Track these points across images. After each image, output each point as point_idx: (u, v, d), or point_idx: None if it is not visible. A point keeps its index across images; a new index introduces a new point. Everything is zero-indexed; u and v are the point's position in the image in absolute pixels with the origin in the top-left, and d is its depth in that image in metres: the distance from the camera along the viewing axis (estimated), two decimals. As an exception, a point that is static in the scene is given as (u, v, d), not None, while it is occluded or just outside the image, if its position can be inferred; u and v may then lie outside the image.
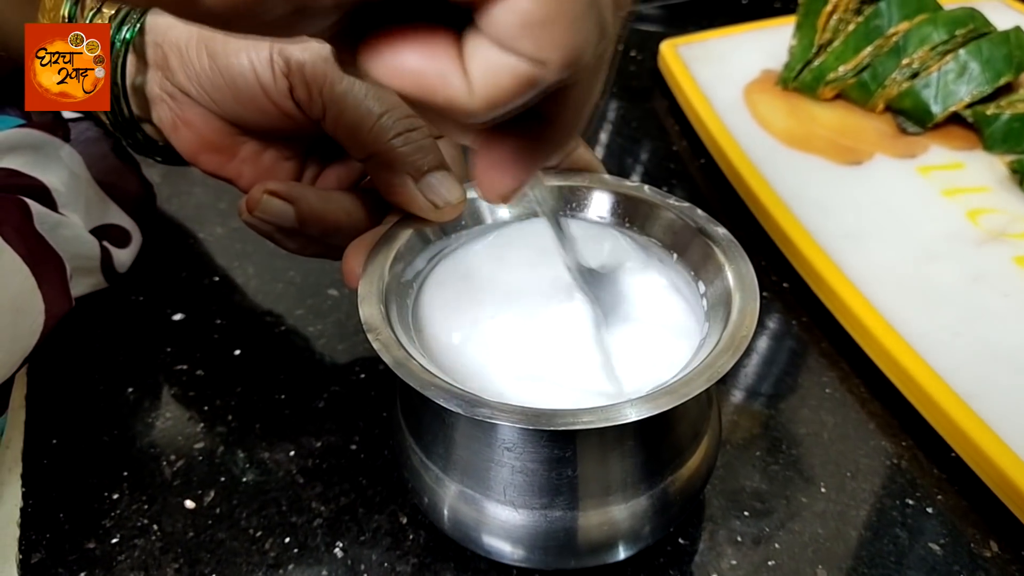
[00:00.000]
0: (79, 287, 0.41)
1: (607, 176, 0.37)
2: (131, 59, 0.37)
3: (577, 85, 0.21)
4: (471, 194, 0.35)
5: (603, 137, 0.64)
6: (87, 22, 0.37)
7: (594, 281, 0.33)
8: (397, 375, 0.27)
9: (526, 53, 0.18)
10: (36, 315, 0.38)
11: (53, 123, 0.45)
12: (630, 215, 0.36)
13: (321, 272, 0.49)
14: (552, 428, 0.26)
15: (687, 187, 0.59)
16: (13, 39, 0.36)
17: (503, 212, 0.36)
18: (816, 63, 0.61)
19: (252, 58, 0.34)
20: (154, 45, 0.36)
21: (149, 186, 0.51)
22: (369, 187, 0.38)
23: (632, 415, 0.26)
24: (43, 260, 0.38)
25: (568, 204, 0.36)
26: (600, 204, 0.36)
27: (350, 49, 0.19)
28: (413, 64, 0.19)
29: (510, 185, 0.23)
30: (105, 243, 0.44)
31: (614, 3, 0.20)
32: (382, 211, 0.36)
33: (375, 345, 0.28)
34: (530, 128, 0.23)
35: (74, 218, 0.42)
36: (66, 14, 0.37)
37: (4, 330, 0.36)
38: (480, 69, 0.18)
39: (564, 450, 0.29)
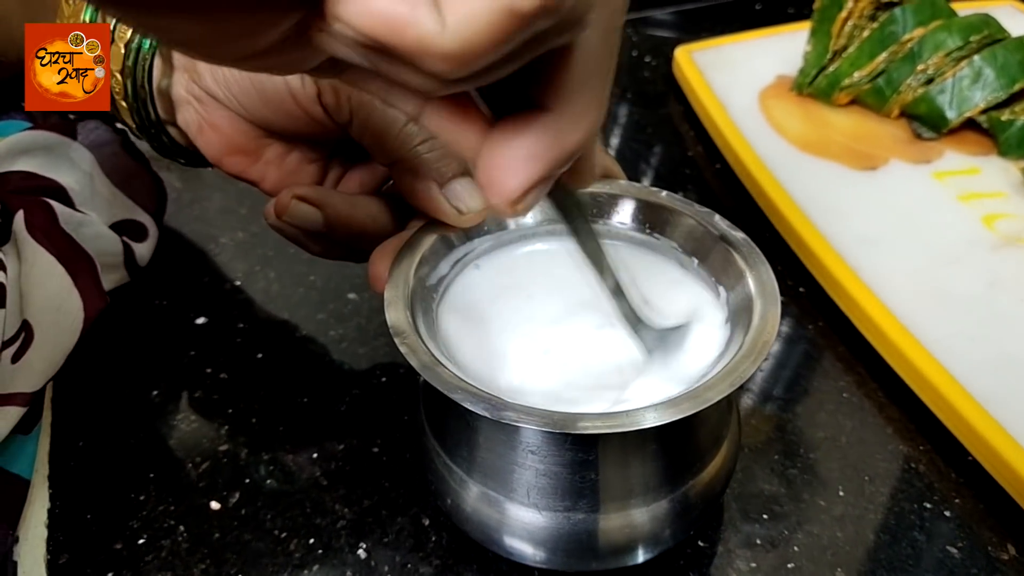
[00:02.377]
0: (105, 283, 0.42)
1: (626, 182, 0.37)
2: (157, 62, 0.38)
3: (572, 61, 0.20)
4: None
5: (618, 142, 0.65)
6: (111, 28, 0.37)
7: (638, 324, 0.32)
8: (423, 379, 0.28)
9: None
10: (76, 313, 0.38)
11: (60, 123, 0.45)
12: (650, 221, 0.36)
13: (341, 276, 0.49)
14: (576, 432, 0.26)
15: (702, 192, 0.59)
16: (15, 44, 0.37)
17: (528, 219, 0.37)
18: (831, 69, 0.61)
19: None
20: None
21: (159, 180, 0.51)
22: (392, 191, 0.39)
23: (654, 420, 0.26)
24: (75, 259, 0.39)
25: (589, 211, 0.37)
26: (620, 210, 0.36)
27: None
28: (382, 3, 0.17)
29: (517, 187, 0.21)
30: (125, 238, 0.45)
31: None
32: (406, 216, 0.37)
33: (402, 349, 0.29)
34: (536, 120, 0.21)
35: (93, 215, 0.43)
36: (87, 19, 0.37)
37: (48, 330, 0.36)
38: (453, 4, 0.17)
39: (587, 453, 0.29)
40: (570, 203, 0.28)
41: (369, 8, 0.17)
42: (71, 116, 0.47)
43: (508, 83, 0.21)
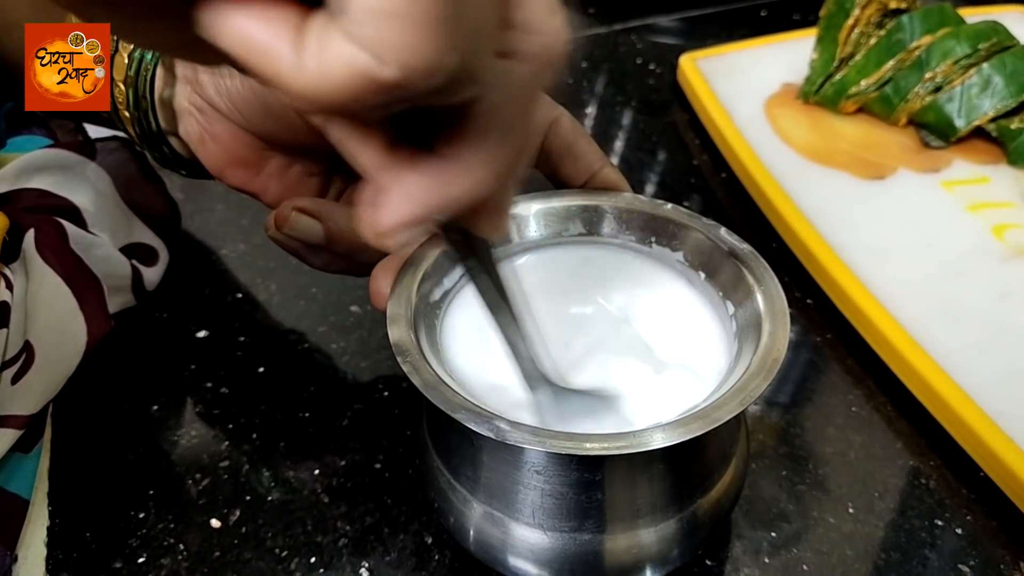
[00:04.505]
0: (110, 306, 0.41)
1: (631, 194, 0.37)
2: (160, 72, 0.37)
3: (470, 118, 0.20)
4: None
5: (622, 151, 0.64)
6: (114, 36, 0.37)
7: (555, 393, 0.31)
8: (427, 398, 0.27)
9: (366, 44, 0.16)
10: (79, 336, 0.38)
11: (79, 142, 0.45)
12: (656, 234, 0.36)
13: (343, 289, 0.49)
14: (583, 453, 0.26)
15: (707, 202, 0.58)
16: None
17: (532, 232, 0.36)
18: (838, 77, 0.61)
19: None
20: None
21: (175, 204, 0.51)
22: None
23: (662, 441, 0.26)
24: (82, 281, 0.39)
25: (593, 224, 0.36)
26: (625, 223, 0.36)
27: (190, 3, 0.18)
28: (246, 25, 0.17)
29: (387, 222, 0.20)
30: (134, 261, 0.45)
31: (505, 44, 0.19)
32: (408, 231, 0.36)
33: (405, 368, 0.28)
34: (425, 162, 0.21)
35: (104, 237, 0.42)
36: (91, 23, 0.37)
37: (50, 352, 0.36)
38: (316, 48, 0.17)
39: (594, 474, 0.29)
40: (474, 244, 0.27)
41: (234, 27, 0.17)
42: (87, 131, 0.47)
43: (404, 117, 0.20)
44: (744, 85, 0.65)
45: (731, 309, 0.32)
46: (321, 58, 0.16)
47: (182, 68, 0.37)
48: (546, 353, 0.31)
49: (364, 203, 0.21)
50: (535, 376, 0.30)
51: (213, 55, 0.18)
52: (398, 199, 0.20)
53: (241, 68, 0.18)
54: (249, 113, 0.36)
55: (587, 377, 0.32)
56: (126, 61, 0.37)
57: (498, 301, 0.28)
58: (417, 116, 0.20)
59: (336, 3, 0.16)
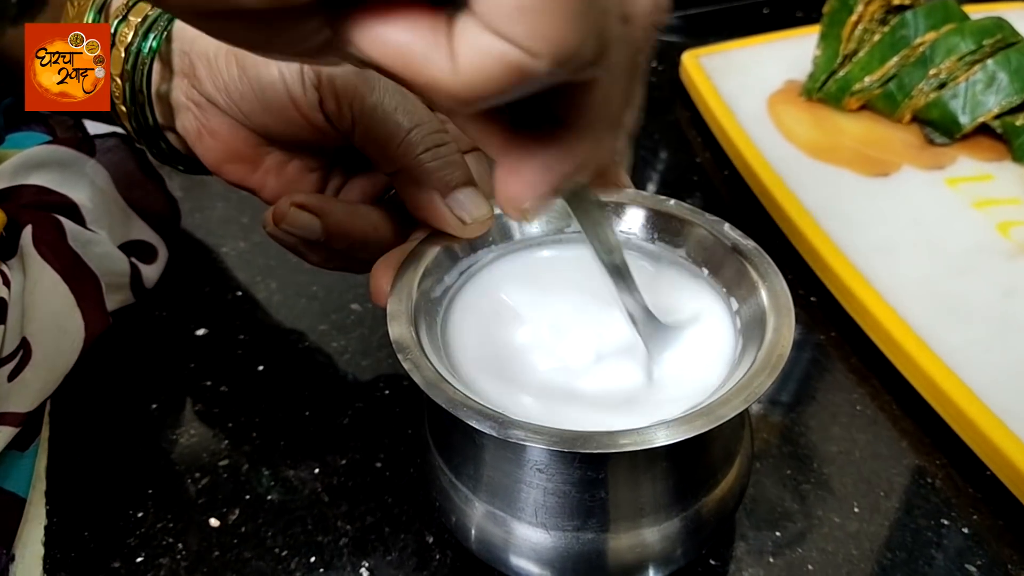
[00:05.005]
0: (109, 303, 0.41)
1: (633, 190, 0.36)
2: (157, 66, 0.37)
3: (594, 88, 0.21)
4: (499, 211, 0.35)
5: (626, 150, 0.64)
6: (112, 31, 0.37)
7: (650, 327, 0.32)
8: (428, 395, 0.27)
9: (516, 40, 0.17)
10: (76, 333, 0.38)
11: (78, 139, 0.45)
12: (659, 231, 0.35)
13: (344, 287, 0.49)
14: (586, 451, 0.25)
15: (711, 199, 0.58)
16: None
17: (533, 228, 0.36)
18: (841, 73, 0.60)
19: (282, 69, 0.34)
20: (181, 53, 0.36)
21: (174, 202, 0.51)
22: (394, 200, 0.38)
23: (666, 438, 0.25)
24: (80, 278, 0.38)
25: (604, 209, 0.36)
26: (628, 220, 0.36)
27: (335, 18, 0.19)
28: (398, 38, 0.18)
29: (527, 194, 0.22)
30: (133, 259, 0.44)
31: (622, 11, 0.20)
32: (408, 226, 0.36)
33: (406, 365, 0.28)
34: (552, 134, 0.22)
35: (102, 234, 0.42)
36: (91, 23, 0.37)
37: (47, 348, 0.36)
38: (467, 51, 0.18)
39: (597, 472, 0.28)
40: (588, 202, 0.28)
41: (384, 39, 0.18)
42: (86, 125, 0.47)
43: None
44: (747, 82, 0.65)
45: (735, 305, 0.32)
46: (474, 60, 0.17)
47: (180, 63, 0.37)
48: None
49: (496, 183, 0.23)
50: (644, 315, 0.31)
51: (344, 59, 0.20)
52: (535, 174, 0.22)
53: (385, 73, 0.19)
54: (247, 108, 0.35)
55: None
56: (123, 55, 0.37)
57: (610, 251, 0.29)
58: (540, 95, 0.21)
59: (479, 3, 0.17)
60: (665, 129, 0.66)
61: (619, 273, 0.30)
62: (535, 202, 0.22)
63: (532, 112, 0.22)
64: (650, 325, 0.31)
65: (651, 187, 0.60)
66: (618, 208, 0.36)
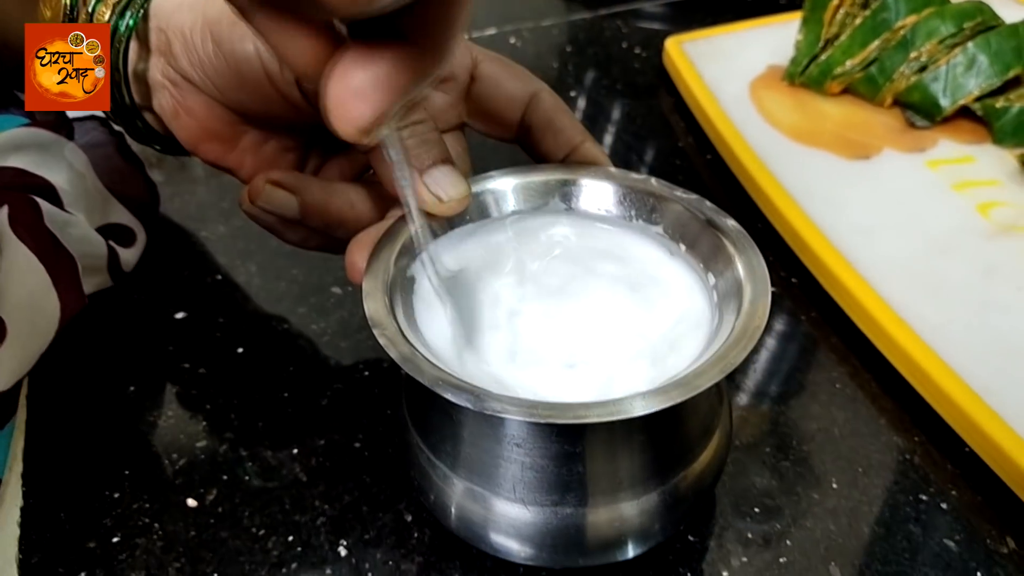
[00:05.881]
0: (86, 286, 0.41)
1: (614, 169, 0.36)
2: (133, 45, 0.37)
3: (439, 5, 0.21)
4: (476, 188, 0.35)
5: (608, 135, 0.64)
6: (89, 10, 0.36)
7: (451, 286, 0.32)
8: (404, 371, 0.27)
9: None
10: (52, 313, 0.37)
11: (57, 122, 0.44)
12: (636, 207, 0.35)
13: (324, 270, 0.48)
14: (563, 422, 0.25)
15: (693, 183, 0.58)
16: (13, 35, 0.36)
17: (510, 207, 0.36)
18: (823, 58, 0.60)
19: (258, 45, 0.34)
20: (157, 31, 0.36)
21: (153, 185, 0.50)
22: (372, 179, 0.38)
23: (643, 408, 0.25)
24: (56, 258, 0.38)
25: (573, 198, 0.36)
26: (606, 197, 0.36)
27: None
28: None
29: (370, 113, 0.21)
30: (111, 242, 0.44)
31: None
32: (386, 204, 0.36)
33: (381, 340, 0.28)
34: (396, 50, 0.21)
35: (80, 217, 0.42)
36: (67, 2, 0.36)
37: (22, 328, 0.35)
38: None
39: (574, 445, 0.28)
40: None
41: None
42: (65, 111, 0.46)
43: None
44: (730, 68, 0.65)
45: (712, 280, 0.32)
46: None
47: (156, 40, 0.36)
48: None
49: (332, 102, 0.21)
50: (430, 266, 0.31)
51: None
52: (377, 89, 0.21)
53: None
54: (222, 84, 0.35)
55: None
56: (99, 35, 0.36)
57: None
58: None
59: None
60: (648, 115, 0.66)
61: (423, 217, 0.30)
62: (373, 122, 0.21)
63: (376, 27, 0.21)
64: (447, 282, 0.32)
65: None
66: (595, 186, 0.36)
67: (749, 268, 0.30)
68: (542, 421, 0.26)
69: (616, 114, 0.66)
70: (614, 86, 0.69)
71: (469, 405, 0.25)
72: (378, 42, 0.21)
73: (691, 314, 0.32)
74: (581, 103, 0.67)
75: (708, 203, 0.33)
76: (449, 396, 0.26)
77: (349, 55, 0.21)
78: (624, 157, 0.61)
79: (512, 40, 0.76)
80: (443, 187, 0.33)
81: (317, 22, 0.22)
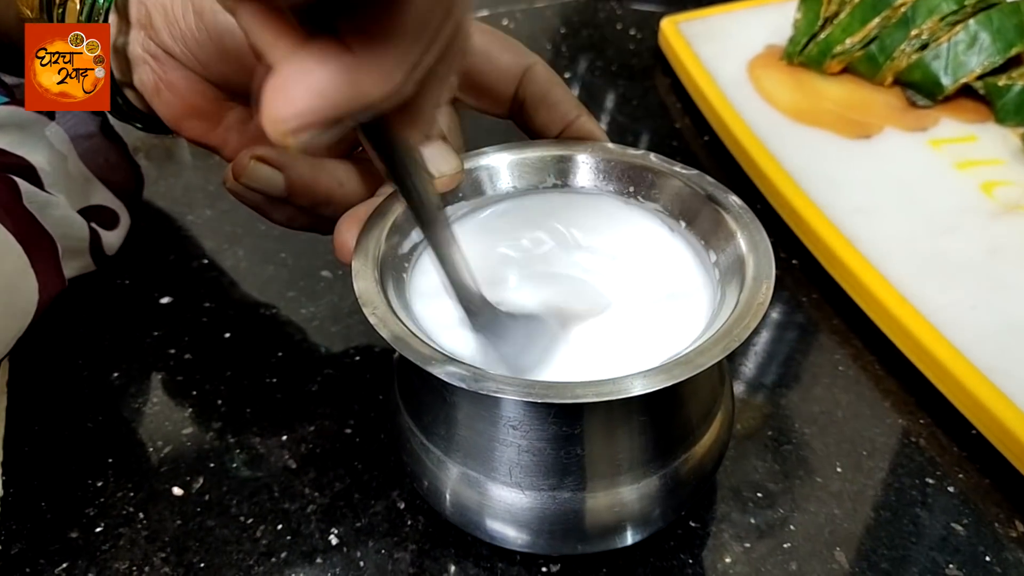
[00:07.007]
0: (68, 269, 0.40)
1: (611, 144, 0.35)
2: (113, 19, 0.35)
3: (381, 12, 0.19)
4: (470, 165, 0.34)
5: (604, 117, 0.63)
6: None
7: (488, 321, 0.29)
8: (396, 351, 0.26)
9: None
10: (30, 295, 0.36)
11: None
12: (635, 184, 0.34)
13: (314, 253, 0.47)
14: (561, 401, 0.24)
15: (691, 164, 0.56)
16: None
17: (505, 184, 0.35)
18: (822, 36, 0.59)
19: None
20: (137, 3, 0.35)
21: (137, 167, 0.49)
22: (362, 156, 0.37)
23: (643, 387, 0.24)
24: (35, 239, 0.37)
25: (569, 175, 0.35)
26: (603, 173, 0.35)
27: None
28: None
29: (290, 117, 0.19)
30: (93, 224, 0.43)
31: None
32: (375, 182, 0.35)
33: (372, 320, 0.27)
34: (337, 58, 0.19)
35: (61, 198, 0.40)
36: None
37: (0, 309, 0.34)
38: None
39: (572, 427, 0.27)
40: (401, 155, 0.25)
41: None
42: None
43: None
44: (727, 48, 0.64)
45: (713, 257, 0.31)
46: None
47: (136, 13, 0.35)
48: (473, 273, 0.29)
49: (262, 100, 0.19)
50: (475, 298, 0.28)
51: None
52: (305, 95, 0.19)
53: None
54: (204, 57, 0.34)
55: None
56: (78, 7, 0.35)
57: (432, 216, 0.27)
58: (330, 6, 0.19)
59: None
60: (644, 96, 0.65)
61: (431, 228, 0.27)
62: (301, 128, 0.19)
63: (323, 23, 0.20)
64: (477, 303, 0.29)
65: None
66: (593, 162, 0.35)
67: (752, 243, 0.29)
68: (539, 401, 0.25)
69: (611, 96, 0.65)
70: (609, 68, 0.68)
71: (463, 385, 0.24)
72: (329, 49, 0.19)
73: (691, 292, 0.31)
74: (575, 86, 0.66)
75: (709, 178, 0.32)
76: (443, 376, 0.25)
77: (298, 54, 0.19)
78: (620, 140, 0.58)
79: (505, 22, 0.75)
80: (435, 163, 0.32)
81: (284, 14, 0.20)
